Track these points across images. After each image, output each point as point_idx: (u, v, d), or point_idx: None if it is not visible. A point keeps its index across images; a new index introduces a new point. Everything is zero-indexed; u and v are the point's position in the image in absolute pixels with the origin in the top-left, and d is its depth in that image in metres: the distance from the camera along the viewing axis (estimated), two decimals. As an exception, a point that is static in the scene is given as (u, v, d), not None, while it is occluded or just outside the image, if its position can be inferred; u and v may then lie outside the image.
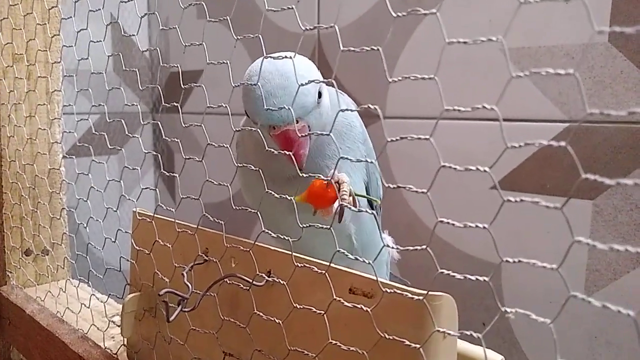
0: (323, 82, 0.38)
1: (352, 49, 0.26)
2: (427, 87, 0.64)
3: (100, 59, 0.47)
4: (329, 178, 0.32)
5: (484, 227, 0.23)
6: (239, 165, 0.36)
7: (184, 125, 0.39)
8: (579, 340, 0.56)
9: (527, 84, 0.57)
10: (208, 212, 0.37)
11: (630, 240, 0.53)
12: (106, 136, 0.47)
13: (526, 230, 0.58)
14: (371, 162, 0.33)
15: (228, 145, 0.35)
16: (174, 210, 0.41)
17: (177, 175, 0.38)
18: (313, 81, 0.30)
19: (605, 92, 0.53)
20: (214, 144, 0.35)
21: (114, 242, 0.46)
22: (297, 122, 0.37)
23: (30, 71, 0.62)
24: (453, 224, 0.24)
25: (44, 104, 0.61)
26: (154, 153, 0.40)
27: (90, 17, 0.43)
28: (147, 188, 0.41)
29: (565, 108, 0.55)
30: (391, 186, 0.26)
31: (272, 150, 0.33)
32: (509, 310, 0.24)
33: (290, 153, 0.33)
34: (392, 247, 0.42)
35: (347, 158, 0.28)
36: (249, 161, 0.38)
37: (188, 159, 0.38)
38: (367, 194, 0.46)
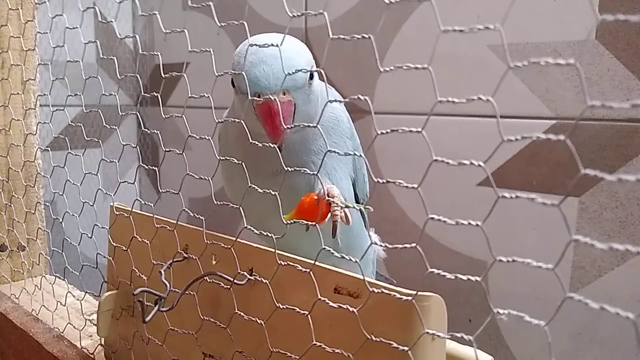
0: (315, 71, 0.36)
1: (342, 36, 0.24)
2: (415, 83, 0.63)
3: (82, 50, 0.45)
4: (319, 193, 0.31)
5: (477, 225, 0.22)
6: (221, 158, 0.35)
7: (164, 117, 0.37)
8: (563, 337, 0.56)
9: (515, 80, 0.57)
10: (192, 207, 0.35)
11: (615, 237, 0.53)
12: (83, 128, 0.45)
13: (512, 226, 0.58)
14: (360, 156, 0.31)
15: (210, 138, 0.33)
16: (152, 205, 0.39)
17: (156, 168, 0.37)
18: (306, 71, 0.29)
19: (592, 89, 0.53)
20: (195, 135, 0.34)
21: (90, 237, 0.44)
22: (284, 94, 0.35)
23: (4, 59, 0.60)
24: (444, 221, 0.23)
25: (19, 94, 0.59)
26: (133, 146, 0.38)
27: (71, 5, 0.41)
28: (124, 182, 0.39)
29: (552, 105, 0.55)
30: (380, 181, 0.25)
31: (256, 143, 0.31)
32: (501, 311, 0.23)
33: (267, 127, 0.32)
34: (379, 245, 0.41)
35: (334, 151, 0.27)
36: (231, 154, 0.36)
37: (168, 151, 0.37)
38: (355, 192, 0.45)
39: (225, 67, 0.33)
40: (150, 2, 0.99)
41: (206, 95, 0.32)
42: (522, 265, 0.21)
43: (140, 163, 0.88)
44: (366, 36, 0.24)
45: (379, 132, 0.25)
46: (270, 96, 0.34)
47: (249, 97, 0.33)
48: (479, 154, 0.62)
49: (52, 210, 0.54)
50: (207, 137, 0.33)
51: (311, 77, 0.38)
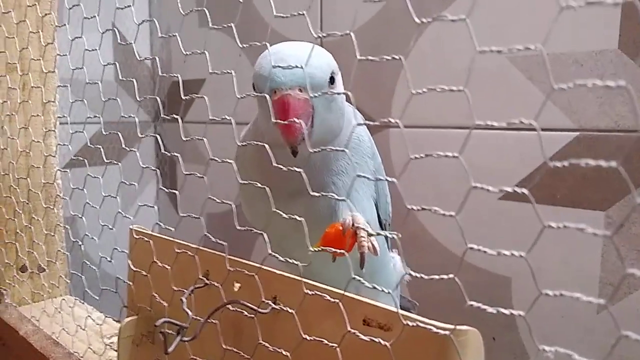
0: (341, 93, 0.36)
1: (370, 58, 0.23)
2: (433, 96, 0.62)
3: (102, 69, 0.45)
4: (344, 223, 0.30)
5: (521, 256, 0.21)
6: (243, 182, 0.33)
7: (184, 139, 0.37)
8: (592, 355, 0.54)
9: (536, 92, 0.55)
10: (211, 223, 0.35)
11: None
12: (101, 148, 0.44)
13: (537, 242, 0.56)
14: (385, 180, 0.30)
15: (232, 162, 0.32)
16: (173, 229, 0.38)
17: (176, 192, 0.36)
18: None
19: (615, 100, 0.51)
20: (217, 159, 0.33)
21: (110, 261, 0.44)
22: (301, 91, 0.34)
23: (25, 81, 0.60)
24: (485, 251, 0.21)
25: (39, 115, 0.59)
26: (152, 168, 0.38)
27: (90, 25, 0.41)
28: (144, 205, 0.38)
29: (574, 117, 0.53)
30: (415, 208, 0.23)
31: (281, 166, 0.30)
32: (547, 349, 0.21)
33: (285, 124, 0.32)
34: (408, 274, 0.39)
35: (363, 176, 0.26)
36: (249, 175, 0.35)
37: (189, 174, 0.36)
38: (377, 213, 0.44)
39: (244, 85, 0.32)
40: (167, 20, 1.00)
41: (227, 118, 0.32)
42: (547, 282, 0.20)
43: (159, 179, 0.88)
44: (396, 57, 0.23)
45: (412, 156, 0.23)
46: (286, 91, 0.33)
47: (267, 96, 0.32)
48: (501, 167, 0.61)
49: (72, 230, 0.53)
50: (228, 161, 0.32)
51: (332, 81, 0.37)
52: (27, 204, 0.59)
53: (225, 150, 0.33)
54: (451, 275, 0.23)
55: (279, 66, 0.33)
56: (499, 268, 0.59)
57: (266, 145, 0.31)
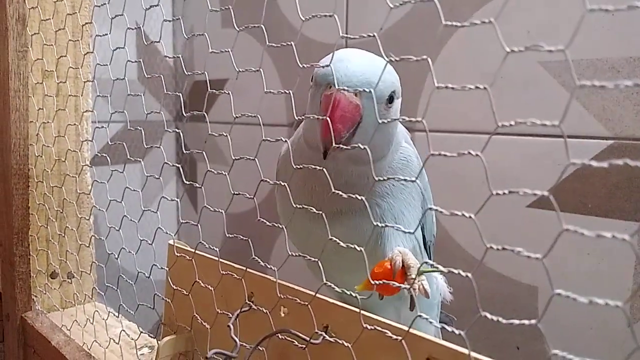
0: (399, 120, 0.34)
1: (392, 57, 0.23)
2: (460, 100, 0.60)
3: (125, 67, 0.45)
4: (394, 264, 0.29)
5: (537, 258, 0.20)
6: (296, 205, 0.32)
7: (207, 136, 0.36)
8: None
9: (569, 98, 0.53)
10: (230, 222, 0.34)
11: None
12: (125, 145, 0.44)
13: (565, 251, 0.54)
14: (435, 210, 0.28)
15: (254, 158, 0.32)
16: (218, 249, 0.37)
17: (200, 186, 0.35)
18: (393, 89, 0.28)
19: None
20: (237, 157, 0.33)
21: (149, 277, 0.43)
22: (356, 95, 0.33)
23: (60, 88, 0.60)
24: (504, 248, 0.20)
25: (74, 124, 0.58)
26: (171, 164, 0.37)
27: (115, 24, 0.41)
28: (165, 199, 0.38)
29: (609, 124, 0.52)
30: (444, 212, 0.23)
31: (325, 174, 0.29)
32: (560, 353, 0.20)
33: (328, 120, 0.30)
34: (449, 291, 0.38)
35: (435, 209, 0.24)
36: (291, 191, 0.34)
37: (211, 171, 0.35)
38: (422, 234, 0.42)
39: (266, 83, 0.31)
40: (190, 20, 0.99)
41: (251, 115, 0.31)
42: (577, 292, 0.18)
43: (181, 175, 0.88)
44: (425, 58, 0.22)
45: (432, 152, 0.23)
46: (341, 91, 0.32)
47: (322, 89, 0.31)
48: (531, 174, 0.59)
49: (96, 228, 0.53)
50: (250, 158, 0.32)
51: (390, 100, 0.35)
52: (61, 212, 0.59)
53: (246, 151, 0.32)
54: (469, 274, 0.22)
55: (343, 64, 0.32)
56: (526, 277, 0.57)
57: (321, 170, 0.29)
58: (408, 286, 0.29)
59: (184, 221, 0.39)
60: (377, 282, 0.28)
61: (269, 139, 0.31)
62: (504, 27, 0.57)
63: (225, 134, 0.34)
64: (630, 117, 0.51)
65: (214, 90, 0.37)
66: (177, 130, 1.02)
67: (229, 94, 0.36)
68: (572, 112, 0.54)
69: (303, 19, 0.28)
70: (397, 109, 0.37)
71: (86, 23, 0.55)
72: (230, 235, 0.35)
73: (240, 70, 0.33)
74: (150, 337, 0.53)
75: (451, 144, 0.62)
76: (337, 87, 0.32)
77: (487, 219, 0.59)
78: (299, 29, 0.75)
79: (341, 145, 0.30)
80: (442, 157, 0.22)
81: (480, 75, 0.59)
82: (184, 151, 1.01)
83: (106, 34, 0.43)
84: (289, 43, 0.30)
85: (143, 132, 0.43)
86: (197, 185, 0.40)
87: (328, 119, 0.31)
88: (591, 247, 0.53)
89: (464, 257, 0.62)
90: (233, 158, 0.33)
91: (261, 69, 0.32)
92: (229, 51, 0.34)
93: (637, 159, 0.57)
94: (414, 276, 0.31)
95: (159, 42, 0.94)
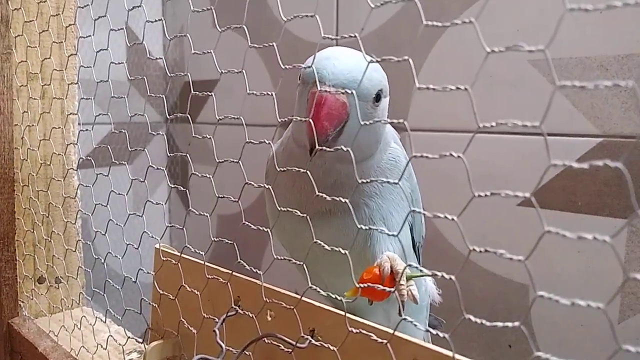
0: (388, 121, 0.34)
1: (375, 57, 0.23)
2: (451, 100, 0.60)
3: (114, 68, 0.44)
4: (383, 270, 0.29)
5: (519, 260, 0.20)
6: (280, 208, 0.32)
7: (192, 138, 0.36)
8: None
9: (558, 96, 0.53)
10: (221, 225, 0.33)
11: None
12: (110, 148, 0.44)
13: (554, 250, 0.54)
14: (420, 212, 0.28)
15: (238, 160, 0.31)
16: (204, 253, 0.37)
17: (184, 189, 0.35)
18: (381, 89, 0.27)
19: (643, 105, 0.49)
20: (226, 160, 0.33)
21: (135, 282, 0.42)
22: (343, 93, 0.32)
23: (45, 91, 0.59)
24: (488, 251, 0.20)
25: (59, 127, 0.58)
26: (155, 167, 0.37)
27: (104, 25, 0.40)
28: (156, 203, 0.37)
29: (598, 122, 0.52)
30: (428, 214, 0.22)
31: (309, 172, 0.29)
32: (543, 355, 0.20)
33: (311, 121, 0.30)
34: (438, 293, 0.37)
35: (418, 212, 0.24)
36: (279, 192, 0.34)
37: (198, 174, 0.35)
38: (411, 236, 0.42)
39: (255, 83, 0.31)
40: (181, 20, 0.99)
41: (236, 117, 0.31)
42: (565, 290, 0.18)
43: (173, 181, 0.87)
44: (406, 58, 0.22)
45: (415, 154, 0.22)
46: (328, 89, 0.32)
47: (309, 87, 0.31)
48: (519, 173, 0.59)
49: (82, 229, 0.52)
50: (233, 160, 0.31)
51: (377, 99, 0.35)
52: (47, 216, 0.58)
53: (239, 152, 0.32)
54: (452, 277, 0.21)
55: (329, 62, 0.32)
56: (517, 276, 0.57)
57: (306, 172, 0.29)
58: (396, 293, 0.28)
59: (169, 224, 0.38)
60: (363, 286, 0.27)
61: (252, 141, 0.30)
62: (493, 25, 0.57)
63: (208, 137, 0.34)
64: (619, 115, 0.51)
65: (198, 92, 0.37)
66: (161, 133, 1.01)
67: (212, 95, 0.35)
68: (561, 110, 0.54)
69: (285, 19, 0.28)
70: (384, 108, 0.37)
71: (70, 24, 0.54)
72: (216, 239, 0.35)
73: (224, 71, 0.33)
74: (138, 342, 0.52)
75: (444, 144, 0.62)
76: (323, 85, 0.32)
77: (478, 218, 0.59)
78: (289, 29, 0.75)
79: (324, 148, 0.30)
80: (434, 156, 0.22)
81: (471, 74, 0.59)
82: (168, 154, 1.01)
83: (89, 36, 0.42)
84: (271, 44, 0.30)
85: (128, 135, 0.43)
86: (182, 188, 0.40)
87: (313, 117, 0.31)
88: (581, 245, 0.53)
89: (456, 256, 0.62)
90: (217, 161, 0.33)
91: (244, 70, 0.31)
92: (211, 52, 0.34)
93: (626, 156, 0.57)
94: (403, 282, 0.31)
95: (141, 43, 0.93)
